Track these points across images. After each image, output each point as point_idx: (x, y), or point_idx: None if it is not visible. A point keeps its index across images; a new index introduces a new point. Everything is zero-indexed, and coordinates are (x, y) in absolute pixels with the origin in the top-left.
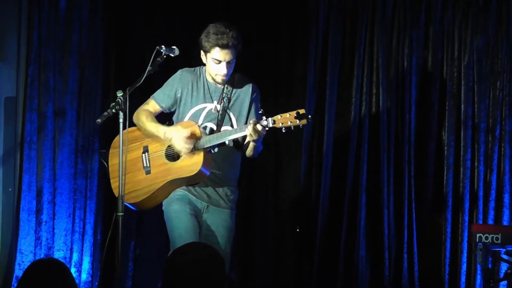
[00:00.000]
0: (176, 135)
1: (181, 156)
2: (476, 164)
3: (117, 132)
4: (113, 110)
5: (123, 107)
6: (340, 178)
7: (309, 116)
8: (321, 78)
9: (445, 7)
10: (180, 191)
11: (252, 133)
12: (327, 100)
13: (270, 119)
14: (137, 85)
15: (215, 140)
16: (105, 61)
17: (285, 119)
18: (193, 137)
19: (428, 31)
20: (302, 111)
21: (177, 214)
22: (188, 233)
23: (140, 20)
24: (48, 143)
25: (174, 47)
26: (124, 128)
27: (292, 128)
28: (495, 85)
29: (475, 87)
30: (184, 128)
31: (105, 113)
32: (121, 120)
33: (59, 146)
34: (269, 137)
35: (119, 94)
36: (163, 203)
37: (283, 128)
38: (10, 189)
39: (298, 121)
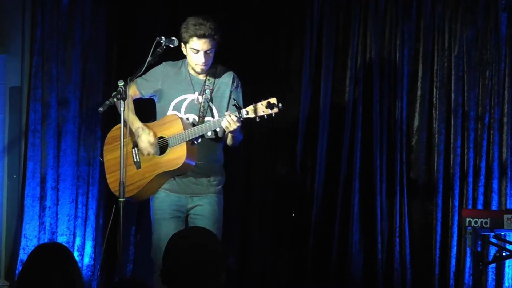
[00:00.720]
0: (144, 137)
1: (166, 150)
2: (466, 150)
3: (118, 121)
4: (115, 99)
5: (124, 96)
6: (335, 165)
7: (280, 105)
8: (316, 70)
9: (436, 1)
10: (162, 193)
11: (227, 125)
12: (322, 91)
13: (243, 110)
14: (138, 75)
15: (195, 132)
16: (107, 52)
17: (258, 109)
18: (157, 144)
19: (419, 24)
20: (273, 100)
21: (158, 220)
22: (167, 237)
23: (141, 13)
24: (51, 132)
25: (173, 38)
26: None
27: (266, 117)
28: (484, 75)
29: (465, 77)
30: (160, 128)
31: (107, 102)
32: (122, 109)
33: (62, 134)
34: (266, 127)
35: (120, 83)
36: (150, 202)
37: (257, 118)
38: (15, 176)
39: (270, 110)
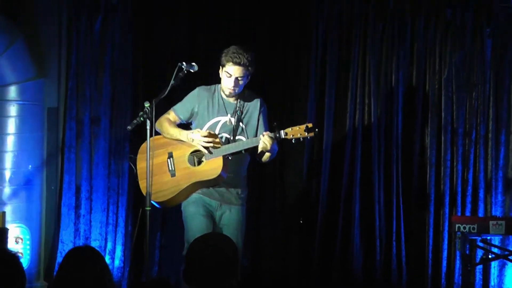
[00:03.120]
0: (196, 136)
1: (202, 159)
2: (455, 163)
3: (144, 138)
4: (141, 118)
5: (149, 115)
6: (337, 176)
7: (316, 130)
8: (321, 89)
9: (427, 27)
10: (195, 195)
11: (265, 144)
12: (326, 108)
13: (282, 131)
14: (162, 96)
15: (232, 149)
16: (134, 76)
17: (296, 132)
18: (212, 135)
19: (413, 48)
20: (310, 125)
21: (192, 215)
22: (200, 233)
23: (164, 40)
24: (85, 147)
25: (193, 63)
26: (151, 134)
27: (301, 140)
28: (471, 95)
29: (454, 97)
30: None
31: (134, 121)
32: (148, 127)
33: (94, 150)
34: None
35: (146, 104)
36: (181, 204)
37: (293, 140)
38: (52, 187)
39: (307, 133)
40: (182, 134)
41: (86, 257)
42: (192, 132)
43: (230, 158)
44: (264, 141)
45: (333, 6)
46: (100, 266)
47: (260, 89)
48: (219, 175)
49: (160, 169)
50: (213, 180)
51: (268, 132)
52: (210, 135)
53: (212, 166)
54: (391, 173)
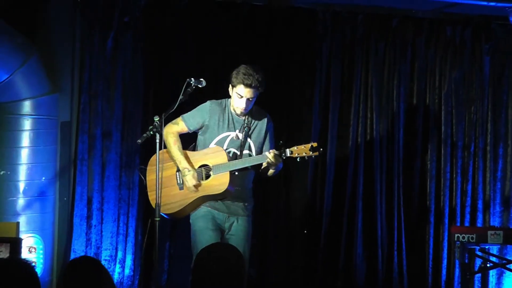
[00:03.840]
0: (190, 178)
1: (210, 173)
2: (454, 175)
3: (154, 151)
4: (151, 132)
5: (159, 129)
6: (341, 188)
7: (321, 149)
8: (325, 105)
9: (428, 46)
10: (204, 208)
11: (271, 161)
12: (330, 124)
13: (287, 150)
14: (171, 111)
15: (239, 164)
16: (144, 91)
17: (301, 151)
18: (198, 185)
19: (414, 66)
20: (315, 144)
21: (201, 230)
22: None
23: (173, 57)
24: (97, 160)
25: (201, 79)
26: (160, 147)
27: (306, 158)
28: (470, 110)
29: (453, 112)
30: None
31: (144, 135)
32: (157, 141)
33: (106, 162)
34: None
35: (156, 118)
36: (190, 217)
37: (298, 158)
38: (65, 199)
39: (311, 152)
40: (182, 163)
41: (83, 268)
42: (189, 170)
43: (236, 173)
44: (271, 158)
45: (337, 26)
46: (99, 275)
47: (265, 106)
48: (226, 190)
49: (169, 182)
50: (220, 195)
51: (274, 150)
52: (197, 186)
53: (220, 181)
54: (393, 186)
